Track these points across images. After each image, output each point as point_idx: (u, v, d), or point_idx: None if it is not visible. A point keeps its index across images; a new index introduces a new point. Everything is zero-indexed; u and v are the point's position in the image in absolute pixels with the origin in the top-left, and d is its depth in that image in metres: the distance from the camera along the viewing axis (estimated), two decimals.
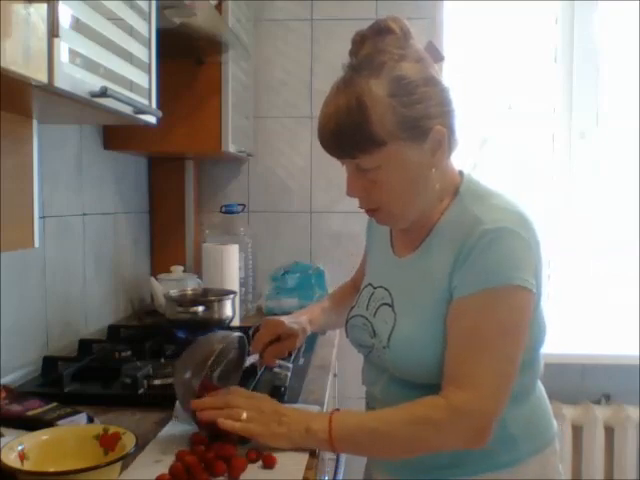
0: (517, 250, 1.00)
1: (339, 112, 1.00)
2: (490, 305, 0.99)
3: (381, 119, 0.99)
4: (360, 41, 1.06)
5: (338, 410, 1.02)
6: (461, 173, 1.15)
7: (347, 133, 1.00)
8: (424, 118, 1.02)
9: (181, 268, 2.24)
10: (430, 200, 1.10)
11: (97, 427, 0.97)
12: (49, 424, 1.05)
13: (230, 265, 2.08)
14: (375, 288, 1.19)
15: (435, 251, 1.09)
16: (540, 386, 1.19)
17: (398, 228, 1.17)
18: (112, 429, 0.95)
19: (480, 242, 0.99)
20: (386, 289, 1.15)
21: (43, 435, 0.94)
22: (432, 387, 1.03)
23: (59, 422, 1.07)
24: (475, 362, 0.97)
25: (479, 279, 0.99)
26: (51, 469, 0.88)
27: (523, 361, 1.08)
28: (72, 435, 0.96)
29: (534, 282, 1.01)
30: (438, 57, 1.08)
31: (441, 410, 0.97)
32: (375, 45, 1.04)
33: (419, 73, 1.03)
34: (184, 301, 1.81)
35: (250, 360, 1.29)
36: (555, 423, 1.19)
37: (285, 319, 1.32)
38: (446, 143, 1.05)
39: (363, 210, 1.13)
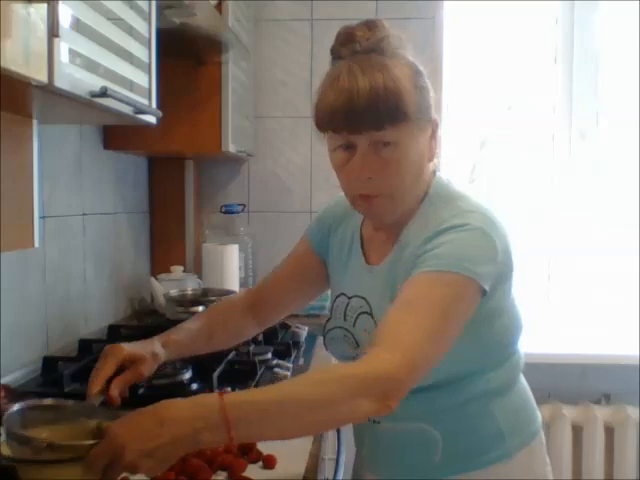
0: (476, 244, 1.00)
1: (375, 82, 0.99)
2: (439, 286, 0.97)
3: (409, 95, 1.01)
4: (348, 33, 1.06)
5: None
6: (434, 173, 1.14)
7: (384, 100, 0.99)
8: (430, 107, 1.06)
9: (181, 268, 2.24)
10: (417, 195, 1.09)
11: (91, 422, 0.96)
12: None
13: (230, 265, 2.09)
14: (350, 298, 1.16)
15: (406, 254, 1.07)
16: (522, 380, 1.19)
17: (385, 221, 1.11)
18: (106, 424, 0.94)
19: (441, 233, 1.00)
20: (362, 297, 1.13)
21: (42, 432, 0.94)
22: (422, 390, 1.01)
23: None
24: (408, 330, 0.92)
25: (435, 262, 0.98)
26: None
27: (502, 357, 1.11)
28: (67, 431, 0.95)
29: (488, 279, 0.99)
30: None
31: (354, 367, 0.91)
32: (382, 32, 1.05)
33: (419, 65, 1.06)
34: (184, 301, 1.81)
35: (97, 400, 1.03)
36: (539, 415, 1.20)
37: (127, 345, 1.10)
38: (437, 138, 1.09)
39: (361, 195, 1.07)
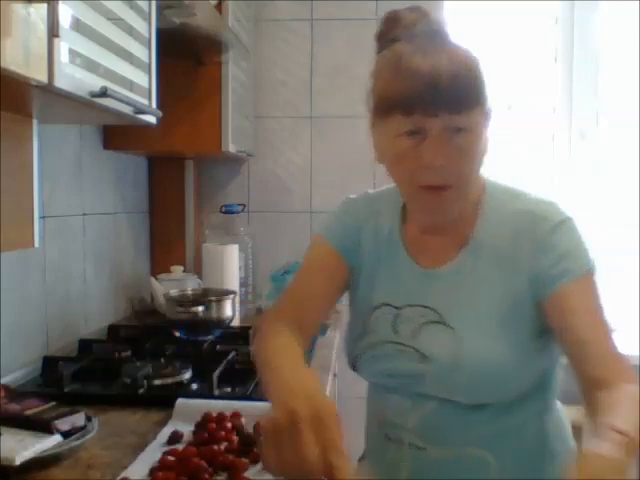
0: (579, 233, 1.05)
1: (454, 64, 0.94)
2: (591, 289, 1.00)
3: (480, 81, 0.97)
4: (396, 18, 1.02)
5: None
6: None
7: (463, 83, 0.94)
8: (488, 99, 1.00)
9: (181, 268, 2.24)
10: (475, 190, 1.05)
11: None
12: (47, 423, 1.05)
13: (230, 265, 2.08)
14: (399, 308, 1.07)
15: (489, 255, 1.03)
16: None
17: (448, 217, 1.04)
18: None
19: (555, 234, 1.01)
20: (425, 306, 1.04)
21: None
22: (485, 408, 1.00)
23: (57, 421, 1.06)
24: (612, 352, 0.97)
25: (573, 268, 0.99)
26: None
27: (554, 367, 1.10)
28: None
29: None
30: None
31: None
32: (436, 17, 1.03)
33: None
34: (184, 301, 1.81)
35: None
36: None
37: (319, 394, 0.79)
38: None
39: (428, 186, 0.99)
